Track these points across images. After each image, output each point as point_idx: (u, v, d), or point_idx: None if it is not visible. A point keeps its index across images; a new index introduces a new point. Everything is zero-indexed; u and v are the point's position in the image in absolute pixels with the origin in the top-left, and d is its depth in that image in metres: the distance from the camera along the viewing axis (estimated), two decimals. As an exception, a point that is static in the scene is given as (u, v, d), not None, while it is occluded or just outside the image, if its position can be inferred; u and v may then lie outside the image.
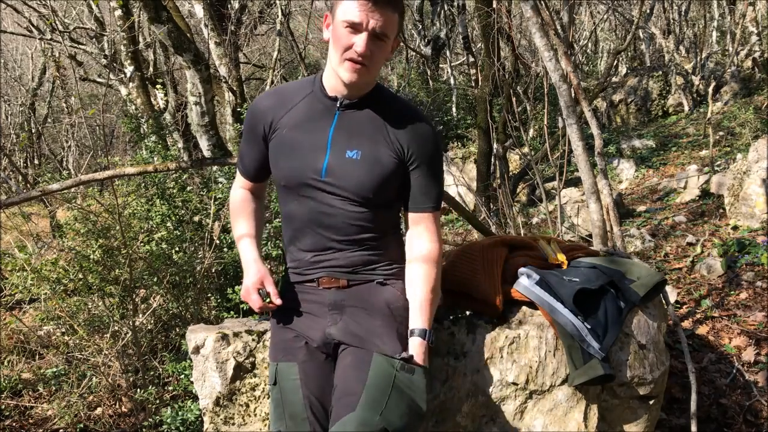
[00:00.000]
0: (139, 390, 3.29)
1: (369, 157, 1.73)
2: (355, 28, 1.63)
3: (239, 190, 1.97)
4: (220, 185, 4.41)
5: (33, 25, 8.16)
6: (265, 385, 2.02)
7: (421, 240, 1.82)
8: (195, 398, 3.09)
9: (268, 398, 2.02)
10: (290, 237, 1.86)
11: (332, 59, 1.71)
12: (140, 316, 3.54)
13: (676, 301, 3.50)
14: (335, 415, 1.64)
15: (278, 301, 1.77)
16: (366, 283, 1.80)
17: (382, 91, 1.81)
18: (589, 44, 13.93)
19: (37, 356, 4.07)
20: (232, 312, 3.54)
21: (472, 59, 10.07)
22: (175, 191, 4.16)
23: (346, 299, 1.79)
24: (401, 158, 1.76)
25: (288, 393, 1.72)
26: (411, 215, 1.84)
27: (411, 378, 1.67)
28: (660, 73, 10.29)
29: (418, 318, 1.76)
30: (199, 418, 2.95)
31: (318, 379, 1.73)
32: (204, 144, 5.32)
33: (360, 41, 1.64)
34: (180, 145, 5.73)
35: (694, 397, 2.28)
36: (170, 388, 3.36)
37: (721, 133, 7.43)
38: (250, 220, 1.93)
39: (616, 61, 12.00)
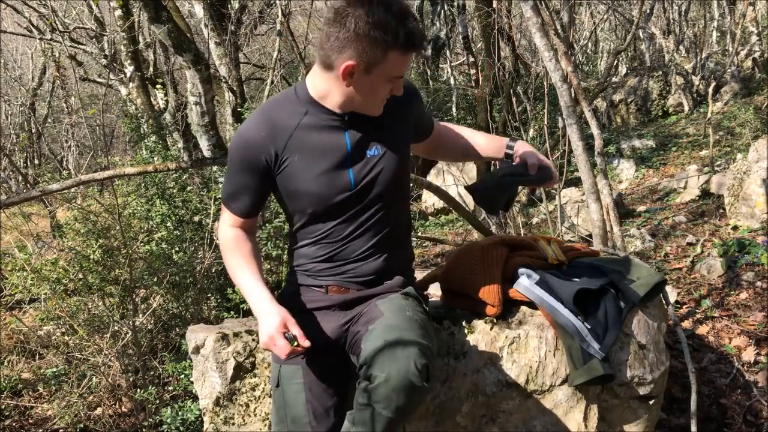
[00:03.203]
0: (139, 390, 3.29)
1: (388, 146, 1.75)
2: (398, 77, 1.64)
3: (231, 230, 1.79)
4: (220, 185, 4.41)
5: (33, 25, 8.15)
6: (265, 384, 2.02)
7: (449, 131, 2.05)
8: (195, 398, 3.09)
9: (268, 398, 2.02)
10: (303, 244, 1.81)
11: (357, 100, 1.66)
12: (140, 316, 3.54)
13: (676, 301, 3.50)
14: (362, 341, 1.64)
15: (306, 343, 1.60)
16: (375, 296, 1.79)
17: None
18: (589, 44, 13.92)
19: (37, 356, 4.07)
20: (232, 312, 3.54)
21: (472, 59, 10.07)
22: (175, 191, 4.16)
23: (356, 300, 1.79)
24: (411, 125, 1.83)
25: (290, 396, 1.72)
26: (431, 136, 2.00)
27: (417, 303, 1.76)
28: (660, 73, 10.28)
29: (497, 139, 2.01)
30: (199, 418, 2.95)
31: (321, 383, 1.73)
32: (204, 144, 5.32)
33: (399, 85, 1.67)
34: (180, 145, 5.72)
35: (694, 397, 2.28)
36: (170, 388, 3.36)
37: (721, 133, 7.43)
38: (250, 261, 1.75)
39: (616, 61, 12.00)
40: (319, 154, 1.69)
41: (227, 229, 1.80)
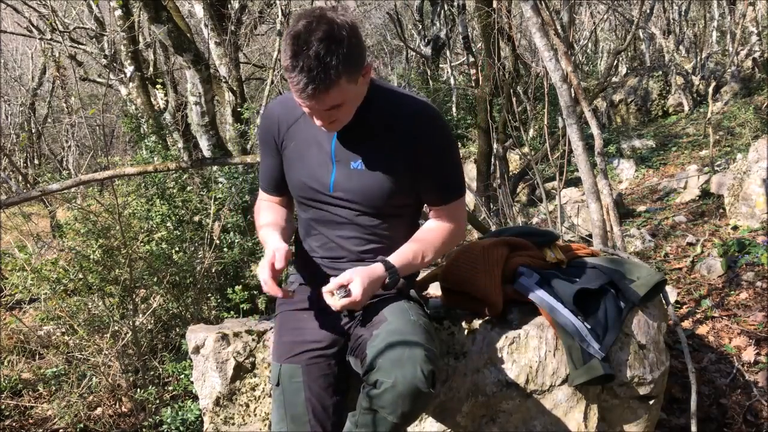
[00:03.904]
0: (139, 390, 3.29)
1: (373, 166, 1.69)
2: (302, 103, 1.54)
3: (262, 198, 1.93)
4: (220, 185, 4.42)
5: (33, 25, 8.15)
6: (266, 384, 2.02)
7: (441, 220, 1.80)
8: (195, 398, 3.09)
9: (268, 398, 2.02)
10: (303, 235, 1.88)
11: None
12: (140, 316, 3.54)
13: (676, 301, 3.50)
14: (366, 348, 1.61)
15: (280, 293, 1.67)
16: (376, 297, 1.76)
17: (377, 91, 1.68)
18: (589, 44, 13.93)
19: (37, 356, 4.06)
20: (232, 312, 3.53)
21: (472, 59, 10.07)
22: (175, 191, 4.16)
23: None
24: (409, 159, 1.67)
25: (290, 394, 1.72)
26: (435, 209, 1.79)
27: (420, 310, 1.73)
28: (660, 73, 10.30)
29: (393, 255, 1.71)
30: (199, 418, 2.95)
31: (321, 382, 1.73)
32: (204, 144, 5.32)
33: (316, 119, 1.59)
34: (180, 145, 5.71)
35: (694, 397, 2.28)
36: (170, 388, 3.36)
37: (721, 133, 7.43)
38: (272, 214, 1.86)
39: (616, 61, 12.00)
40: (308, 147, 1.75)
41: (260, 201, 1.92)
